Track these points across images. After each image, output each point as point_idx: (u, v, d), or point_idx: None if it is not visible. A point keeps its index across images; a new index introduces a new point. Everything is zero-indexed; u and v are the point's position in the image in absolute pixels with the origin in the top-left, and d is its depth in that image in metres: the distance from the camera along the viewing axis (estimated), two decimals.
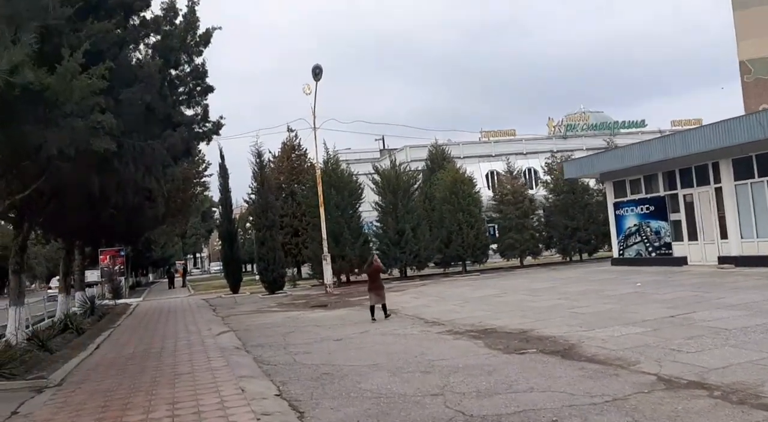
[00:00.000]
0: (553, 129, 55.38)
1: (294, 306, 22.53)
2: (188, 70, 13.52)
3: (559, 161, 36.36)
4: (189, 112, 14.15)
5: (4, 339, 15.09)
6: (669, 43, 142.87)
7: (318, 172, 29.46)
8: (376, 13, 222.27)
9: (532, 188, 40.52)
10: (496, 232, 34.40)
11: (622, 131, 54.00)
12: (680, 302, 13.61)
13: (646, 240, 24.22)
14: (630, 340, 9.83)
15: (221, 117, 15.06)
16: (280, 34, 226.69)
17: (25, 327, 15.57)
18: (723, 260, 20.58)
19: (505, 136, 53.15)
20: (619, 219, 25.69)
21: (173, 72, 13.36)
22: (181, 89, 13.85)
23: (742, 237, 20.27)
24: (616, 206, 25.81)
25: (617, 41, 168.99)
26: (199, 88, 13.96)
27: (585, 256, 34.76)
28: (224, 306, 24.96)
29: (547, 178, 36.10)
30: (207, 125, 14.66)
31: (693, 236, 22.17)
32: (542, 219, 35.07)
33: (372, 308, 15.70)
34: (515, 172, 34.90)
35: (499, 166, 51.63)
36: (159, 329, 17.88)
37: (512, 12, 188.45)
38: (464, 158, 46.10)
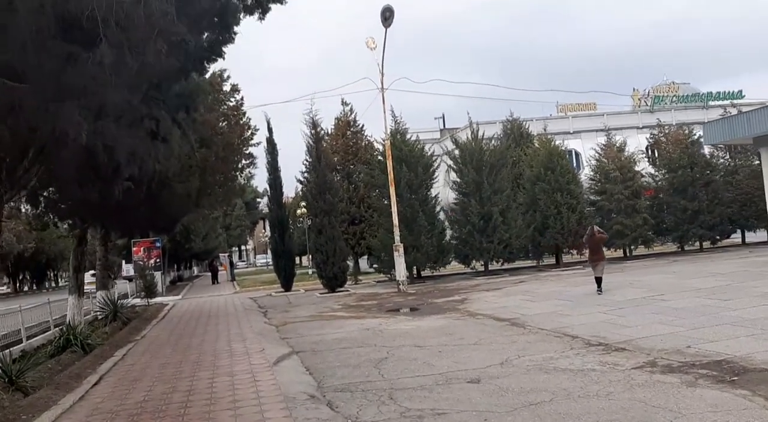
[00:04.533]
0: (638, 102, 49.00)
1: (365, 310, 17.63)
2: None
3: (667, 131, 30.54)
4: None
5: None
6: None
7: (387, 143, 24.04)
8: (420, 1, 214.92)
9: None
10: None
11: (713, 103, 47.51)
12: None
13: None
14: None
15: None
16: (323, 25, 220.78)
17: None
18: None
19: (584, 110, 47.05)
20: None
21: None
22: None
23: None
24: None
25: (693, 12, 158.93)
26: None
27: (706, 245, 28.69)
28: (276, 308, 20.31)
29: (651, 152, 30.20)
30: None
31: None
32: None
33: (598, 280, 15.49)
34: (618, 144, 28.83)
35: (577, 144, 45.86)
36: (193, 346, 12.96)
37: None
38: (538, 135, 40.18)
